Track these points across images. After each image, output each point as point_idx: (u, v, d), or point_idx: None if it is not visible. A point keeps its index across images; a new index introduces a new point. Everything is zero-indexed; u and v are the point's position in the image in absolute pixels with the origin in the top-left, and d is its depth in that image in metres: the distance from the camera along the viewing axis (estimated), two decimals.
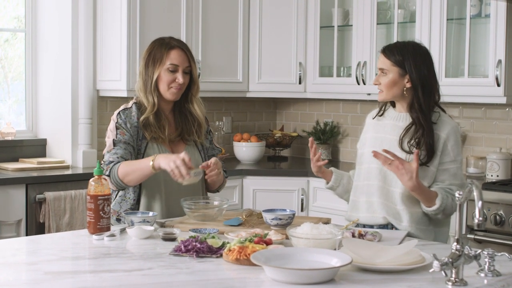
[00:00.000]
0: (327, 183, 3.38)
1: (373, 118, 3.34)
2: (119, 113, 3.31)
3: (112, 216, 3.13)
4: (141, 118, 3.27)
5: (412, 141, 3.11)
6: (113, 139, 3.25)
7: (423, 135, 3.09)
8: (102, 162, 3.22)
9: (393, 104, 3.28)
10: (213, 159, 3.23)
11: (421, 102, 3.11)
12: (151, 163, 3.09)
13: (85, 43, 5.07)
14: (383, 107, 3.31)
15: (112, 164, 3.20)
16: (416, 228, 3.09)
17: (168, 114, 3.39)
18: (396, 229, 3.10)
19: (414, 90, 3.12)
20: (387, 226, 3.14)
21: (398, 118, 3.21)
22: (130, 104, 3.36)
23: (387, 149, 3.05)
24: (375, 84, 3.22)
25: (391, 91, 3.16)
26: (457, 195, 2.26)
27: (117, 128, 3.26)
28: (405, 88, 3.14)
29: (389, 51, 3.17)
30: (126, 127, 3.26)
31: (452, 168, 3.12)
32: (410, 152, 3.09)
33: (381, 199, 3.15)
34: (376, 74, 3.45)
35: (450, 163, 3.12)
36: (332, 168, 3.39)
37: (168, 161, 3.03)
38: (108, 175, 3.16)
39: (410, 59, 3.12)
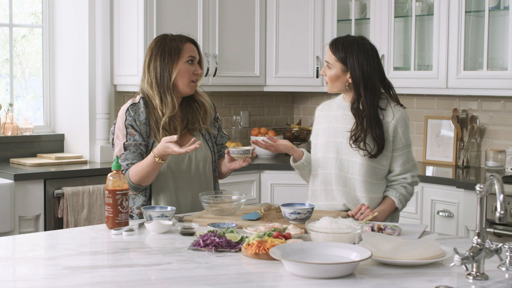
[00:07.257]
0: (295, 160, 3.42)
1: (321, 111, 3.46)
2: (127, 109, 3.25)
3: None
4: (162, 122, 3.23)
5: (359, 138, 3.23)
6: (124, 143, 3.22)
7: (366, 131, 3.22)
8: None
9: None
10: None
11: (362, 98, 3.24)
12: (153, 156, 3.09)
13: (102, 38, 5.08)
14: None
15: (125, 172, 3.18)
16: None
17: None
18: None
19: (355, 86, 3.25)
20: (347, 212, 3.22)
21: (348, 108, 3.33)
22: (137, 99, 3.31)
23: (340, 138, 3.28)
24: (322, 75, 3.38)
25: (334, 84, 3.31)
26: (478, 188, 2.24)
27: (126, 128, 3.23)
28: (347, 83, 3.27)
29: (335, 46, 3.30)
30: (135, 124, 3.22)
31: (405, 153, 3.30)
32: (358, 147, 3.24)
33: (340, 186, 3.29)
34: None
35: (403, 148, 3.29)
36: (303, 149, 3.46)
37: (162, 145, 3.05)
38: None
39: (353, 56, 3.25)
